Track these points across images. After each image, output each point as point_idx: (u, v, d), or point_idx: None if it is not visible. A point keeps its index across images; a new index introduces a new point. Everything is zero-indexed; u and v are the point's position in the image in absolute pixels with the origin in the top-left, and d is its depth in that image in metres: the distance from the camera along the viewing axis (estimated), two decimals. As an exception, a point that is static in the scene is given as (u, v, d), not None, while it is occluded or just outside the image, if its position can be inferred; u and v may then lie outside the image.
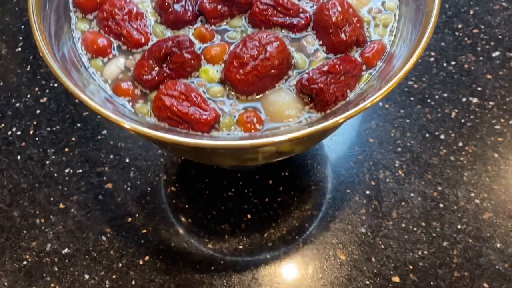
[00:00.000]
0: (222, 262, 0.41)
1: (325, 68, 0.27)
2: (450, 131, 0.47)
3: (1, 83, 0.50)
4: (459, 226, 0.42)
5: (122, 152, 0.46)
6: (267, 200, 0.44)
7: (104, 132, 0.47)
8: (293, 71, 0.29)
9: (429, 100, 0.48)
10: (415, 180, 0.45)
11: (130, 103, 0.28)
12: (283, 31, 0.30)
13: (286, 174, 0.45)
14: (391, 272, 0.41)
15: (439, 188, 0.44)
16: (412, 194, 0.44)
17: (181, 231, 0.43)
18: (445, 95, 0.49)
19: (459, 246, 0.42)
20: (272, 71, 0.27)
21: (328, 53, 0.29)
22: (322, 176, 0.45)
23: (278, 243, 0.42)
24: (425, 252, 0.41)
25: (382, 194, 0.44)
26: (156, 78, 0.28)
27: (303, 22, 0.29)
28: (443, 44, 0.51)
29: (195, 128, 0.26)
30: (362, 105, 0.24)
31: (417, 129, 0.47)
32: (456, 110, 0.48)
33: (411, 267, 0.41)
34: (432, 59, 0.50)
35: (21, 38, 0.52)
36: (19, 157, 0.46)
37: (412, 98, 0.48)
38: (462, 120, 0.47)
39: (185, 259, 0.42)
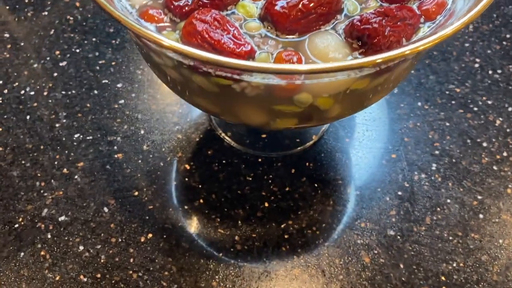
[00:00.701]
0: (232, 249, 0.37)
1: (381, 9, 0.24)
2: (493, 139, 0.43)
3: (22, 43, 0.48)
4: (500, 241, 0.38)
5: (138, 123, 0.43)
6: (287, 189, 0.40)
7: (121, 101, 0.44)
8: (341, 15, 0.26)
9: (471, 106, 0.45)
10: (453, 186, 0.40)
11: (157, 29, 0.25)
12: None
13: (311, 165, 0.41)
14: (421, 282, 0.36)
15: (479, 197, 0.40)
16: (449, 201, 0.40)
17: (190, 211, 0.39)
18: (489, 102, 0.45)
19: (500, 262, 0.37)
20: (320, 8, 0.24)
21: (383, 1, 0.26)
22: (350, 171, 0.41)
23: (296, 236, 0.38)
24: (461, 264, 0.36)
25: (416, 197, 0.40)
26: (189, 6, 0.25)
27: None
28: (489, 51, 0.48)
29: (227, 60, 0.23)
30: (421, 43, 0.21)
31: (457, 133, 0.43)
32: (501, 119, 0.44)
33: (444, 278, 0.36)
34: (476, 65, 0.47)
35: (49, 2, 0.51)
36: (28, 117, 0.43)
37: (453, 102, 0.45)
38: (508, 130, 0.43)
39: (191, 242, 0.37)
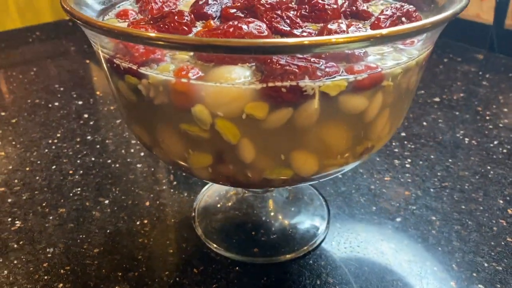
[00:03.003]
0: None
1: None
2: (518, 333, 0.31)
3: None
4: None
5: (132, 195, 0.44)
6: (229, 295, 0.34)
7: (132, 176, 0.47)
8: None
9: (499, 286, 0.35)
10: None
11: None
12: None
13: (272, 279, 0.35)
14: None
15: None
16: None
17: (118, 279, 0.35)
18: (526, 289, 0.34)
19: None
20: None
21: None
22: (311, 303, 0.34)
23: None
24: None
25: None
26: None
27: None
28: (543, 240, 0.39)
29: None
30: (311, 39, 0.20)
31: (467, 308, 0.33)
32: (537, 313, 0.33)
33: None
34: (521, 248, 0.38)
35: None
36: (54, 167, 0.48)
37: (474, 275, 0.36)
38: (544, 328, 0.31)
39: (99, 305, 0.33)
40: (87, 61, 0.76)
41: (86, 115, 0.58)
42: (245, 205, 0.42)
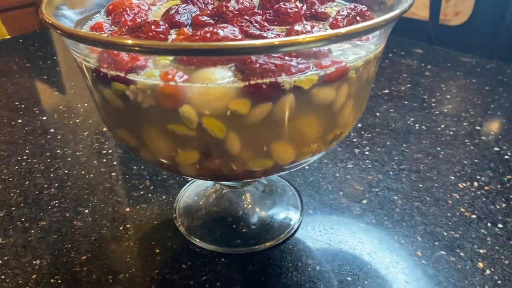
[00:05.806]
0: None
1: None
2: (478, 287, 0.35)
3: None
4: None
5: (111, 202, 0.45)
6: (218, 284, 0.36)
7: (107, 185, 0.48)
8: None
9: (458, 251, 0.39)
10: (412, 324, 0.33)
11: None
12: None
13: (257, 266, 0.38)
14: None
15: None
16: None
17: (110, 282, 0.37)
18: (481, 251, 0.39)
19: None
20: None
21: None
22: (298, 284, 0.36)
23: (204, 330, 0.33)
24: None
25: (361, 325, 0.33)
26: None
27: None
28: (492, 207, 0.44)
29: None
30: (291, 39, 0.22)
31: (433, 273, 0.37)
32: (492, 269, 0.37)
33: None
34: (474, 216, 0.43)
35: (97, 115, 0.61)
36: (27, 182, 0.48)
37: (436, 243, 0.40)
38: (499, 281, 0.36)
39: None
40: (45, 77, 0.75)
41: (52, 130, 0.58)
42: (224, 201, 0.44)
